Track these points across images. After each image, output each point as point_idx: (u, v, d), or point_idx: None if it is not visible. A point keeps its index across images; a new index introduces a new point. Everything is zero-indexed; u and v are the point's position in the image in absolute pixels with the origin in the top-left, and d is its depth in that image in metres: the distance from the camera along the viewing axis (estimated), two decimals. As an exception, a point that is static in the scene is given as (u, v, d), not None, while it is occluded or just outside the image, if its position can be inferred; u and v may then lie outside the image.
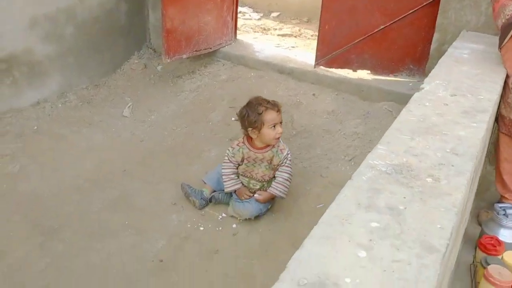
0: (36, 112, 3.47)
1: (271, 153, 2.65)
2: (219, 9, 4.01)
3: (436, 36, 3.20)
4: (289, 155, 2.68)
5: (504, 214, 2.36)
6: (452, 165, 1.56)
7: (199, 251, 2.44)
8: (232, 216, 2.69)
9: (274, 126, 2.57)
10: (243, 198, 2.70)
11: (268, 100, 2.62)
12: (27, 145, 3.18)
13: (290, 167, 2.69)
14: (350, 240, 1.22)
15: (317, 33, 5.25)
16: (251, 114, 2.58)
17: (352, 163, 3.08)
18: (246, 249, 2.47)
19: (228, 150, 2.75)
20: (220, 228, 2.61)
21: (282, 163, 2.66)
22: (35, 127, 3.35)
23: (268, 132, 2.58)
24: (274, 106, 2.59)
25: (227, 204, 2.76)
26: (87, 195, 2.80)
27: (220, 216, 2.70)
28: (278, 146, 2.67)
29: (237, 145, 2.72)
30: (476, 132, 1.81)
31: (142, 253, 2.40)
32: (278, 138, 2.62)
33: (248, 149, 2.67)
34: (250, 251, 2.46)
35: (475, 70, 2.41)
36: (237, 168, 2.76)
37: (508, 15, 2.35)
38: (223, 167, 2.76)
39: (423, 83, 2.27)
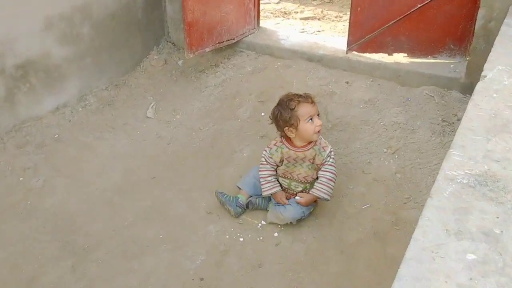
0: (56, 118, 3.29)
1: (313, 152, 2.44)
2: (240, -3, 3.77)
3: (481, 12, 2.92)
4: (332, 153, 2.48)
5: None
6: (542, 172, 1.34)
7: (241, 266, 2.26)
8: (272, 223, 2.50)
9: (311, 119, 2.37)
10: (280, 202, 2.50)
11: (299, 94, 2.43)
12: (50, 155, 3.02)
13: (334, 166, 2.48)
14: (447, 280, 1.02)
15: (341, 14, 5.03)
16: (284, 112, 2.38)
17: (396, 157, 2.86)
18: (291, 261, 2.29)
19: (265, 151, 2.54)
20: (261, 238, 2.42)
21: (324, 161, 2.46)
22: (56, 135, 3.18)
23: (306, 127, 2.37)
24: (307, 98, 2.40)
25: (266, 210, 2.57)
26: (117, 208, 2.63)
27: (260, 224, 2.51)
28: (320, 143, 2.46)
29: (275, 145, 2.51)
30: (559, 128, 1.58)
31: (182, 271, 2.23)
32: (319, 131, 2.40)
33: (288, 148, 2.46)
34: (296, 262, 2.28)
35: (539, 51, 2.16)
36: (275, 170, 2.56)
37: None
38: (260, 169, 2.56)
39: (483, 71, 2.03)
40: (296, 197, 2.48)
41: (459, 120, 3.00)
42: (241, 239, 2.41)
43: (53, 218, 2.57)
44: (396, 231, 2.41)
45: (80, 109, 3.43)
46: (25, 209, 2.62)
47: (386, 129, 3.03)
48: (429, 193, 2.68)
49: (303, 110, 2.36)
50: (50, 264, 2.29)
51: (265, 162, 2.54)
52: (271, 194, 2.54)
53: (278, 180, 2.57)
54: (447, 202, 1.25)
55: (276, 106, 2.47)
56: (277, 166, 2.55)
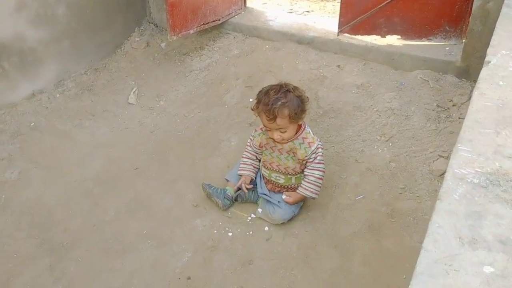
0: (32, 105, 3.11)
1: (291, 144, 2.25)
2: (226, -25, 3.58)
3: (479, -8, 2.79)
4: (319, 149, 2.27)
5: None
6: (560, 168, 1.24)
7: (230, 263, 2.14)
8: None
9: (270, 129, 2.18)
10: (240, 186, 2.40)
11: (272, 99, 2.07)
12: (25, 145, 2.85)
13: (323, 163, 2.30)
14: (464, 297, 0.90)
15: (330, -6, 4.85)
16: (255, 103, 2.18)
17: (390, 144, 2.74)
18: (283, 257, 2.17)
19: (252, 132, 2.43)
20: (251, 232, 2.30)
21: (310, 158, 2.26)
22: (33, 124, 3.01)
23: (267, 131, 2.24)
24: (270, 111, 2.06)
25: (255, 203, 2.44)
26: (98, 201, 2.48)
27: (249, 218, 2.39)
28: (305, 138, 2.26)
29: (260, 129, 2.36)
30: None
31: (167, 270, 2.11)
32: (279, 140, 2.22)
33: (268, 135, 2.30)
34: (288, 258, 2.16)
35: (544, 33, 2.04)
36: (256, 156, 2.44)
37: None
38: (244, 151, 2.48)
39: (486, 56, 1.90)
40: (283, 196, 2.33)
41: (454, 105, 2.90)
42: (230, 234, 2.29)
43: (29, 212, 2.42)
44: (391, 223, 2.30)
45: (58, 95, 3.25)
46: (-1, 203, 2.46)
47: (380, 115, 2.91)
48: (424, 182, 2.58)
49: (261, 119, 2.16)
50: (26, 263, 2.15)
51: (249, 144, 2.45)
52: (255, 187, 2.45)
53: (260, 170, 2.45)
54: (459, 206, 1.14)
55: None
56: (258, 154, 2.43)
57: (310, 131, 2.28)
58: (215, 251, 2.19)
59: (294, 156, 2.27)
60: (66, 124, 3.04)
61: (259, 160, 2.46)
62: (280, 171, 2.35)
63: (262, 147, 2.37)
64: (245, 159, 2.46)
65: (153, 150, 2.87)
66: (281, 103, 2.05)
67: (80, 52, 3.44)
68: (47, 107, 3.14)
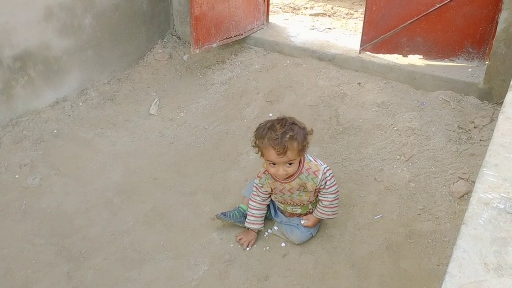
0: (56, 113, 3.16)
1: (299, 181, 2.18)
2: (250, -9, 3.62)
3: (504, 15, 2.78)
4: (327, 174, 2.19)
5: None
6: None
7: (246, 278, 2.14)
8: (278, 235, 2.37)
9: (274, 164, 2.10)
10: (242, 243, 2.31)
11: (279, 132, 2.01)
12: (47, 152, 2.89)
13: (334, 185, 2.23)
14: (490, 329, 0.89)
15: (352, 11, 4.88)
16: (254, 140, 2.13)
17: (410, 164, 2.72)
18: (299, 274, 2.16)
19: (256, 180, 2.31)
20: (268, 248, 2.30)
21: (321, 185, 2.20)
22: (55, 131, 3.05)
23: (269, 169, 2.14)
24: (280, 145, 2.00)
25: (271, 219, 2.43)
26: (117, 210, 2.50)
27: (266, 233, 2.38)
28: (309, 169, 2.18)
29: (263, 173, 2.26)
30: None
31: (183, 282, 2.11)
32: (285, 176, 2.14)
33: (273, 179, 2.22)
34: (305, 276, 2.15)
35: None
36: (264, 204, 2.35)
37: None
38: (250, 199, 2.35)
39: (512, 80, 1.89)
40: (302, 221, 2.31)
41: (476, 127, 2.87)
42: (247, 248, 2.28)
43: (49, 219, 2.45)
44: (409, 244, 2.28)
45: (81, 104, 3.30)
46: (20, 209, 2.50)
47: (400, 135, 2.90)
48: (444, 204, 2.56)
49: (267, 154, 2.07)
50: (45, 270, 2.17)
51: (256, 194, 2.34)
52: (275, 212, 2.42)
53: (274, 203, 2.40)
54: (484, 231, 1.13)
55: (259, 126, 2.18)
56: (267, 196, 2.34)
57: (311, 158, 2.23)
58: (231, 265, 2.19)
59: (305, 189, 2.22)
60: (88, 133, 3.08)
61: (268, 199, 2.37)
62: (295, 203, 2.33)
63: (272, 191, 2.30)
64: (253, 211, 2.33)
65: (173, 162, 2.89)
66: (290, 136, 2.00)
67: (104, 62, 3.50)
68: (69, 115, 3.18)
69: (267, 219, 2.43)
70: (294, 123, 2.08)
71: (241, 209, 2.40)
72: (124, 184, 2.69)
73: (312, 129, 2.16)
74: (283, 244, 2.32)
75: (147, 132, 3.16)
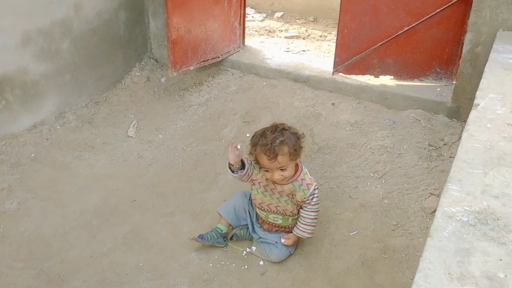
0: (33, 137, 3.17)
1: (291, 187, 2.26)
2: (226, 15, 3.71)
3: (469, 36, 2.91)
4: (316, 191, 2.29)
5: None
6: (544, 208, 1.30)
7: (226, 297, 2.16)
8: (256, 254, 2.41)
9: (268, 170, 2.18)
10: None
11: (270, 138, 2.10)
12: (25, 176, 2.89)
13: (318, 204, 2.33)
14: (455, 334, 0.95)
15: (326, 34, 5.02)
16: (250, 148, 2.20)
17: (383, 181, 2.81)
18: (278, 291, 2.20)
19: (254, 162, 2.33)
20: (246, 267, 2.33)
21: (308, 200, 2.28)
22: (33, 155, 3.06)
23: (265, 173, 2.22)
24: (270, 151, 2.08)
25: (250, 240, 2.48)
26: (96, 233, 2.51)
27: (245, 252, 2.42)
28: (304, 179, 2.28)
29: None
30: (556, 160, 1.55)
31: (162, 303, 2.12)
32: (281, 181, 2.22)
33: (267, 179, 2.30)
34: (283, 293, 2.19)
35: (529, 79, 2.14)
36: (248, 177, 2.33)
37: None
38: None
39: (475, 99, 1.99)
40: (282, 240, 2.36)
41: (445, 144, 2.98)
42: (226, 268, 2.31)
43: (27, 243, 2.44)
44: (384, 259, 2.34)
45: (58, 127, 3.31)
46: (-2, 233, 2.49)
47: (373, 153, 2.98)
48: (416, 220, 2.64)
49: (261, 160, 2.17)
50: (23, 294, 2.16)
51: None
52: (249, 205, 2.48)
53: (254, 209, 2.46)
54: (448, 243, 1.19)
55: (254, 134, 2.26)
56: (251, 173, 2.32)
57: (307, 172, 2.32)
58: (210, 285, 2.22)
59: (293, 198, 2.29)
60: (66, 156, 3.09)
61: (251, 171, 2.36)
62: (278, 212, 2.38)
63: (254, 183, 2.34)
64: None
65: (151, 183, 2.92)
66: (280, 141, 2.09)
67: (81, 86, 3.53)
68: (47, 139, 3.19)
69: (245, 239, 2.47)
70: (284, 128, 2.17)
71: (218, 230, 2.44)
72: (103, 206, 2.71)
73: (303, 133, 2.26)
74: (261, 263, 2.36)
75: (125, 154, 3.18)
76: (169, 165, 3.08)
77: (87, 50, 3.51)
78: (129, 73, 3.93)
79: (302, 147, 2.20)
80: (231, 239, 2.46)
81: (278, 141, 2.09)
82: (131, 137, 3.35)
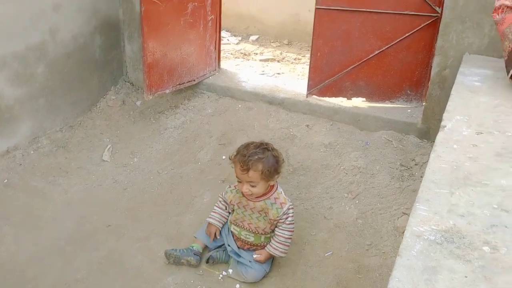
0: (6, 162, 3.13)
1: (263, 204, 2.33)
2: (201, 39, 3.76)
3: (436, 60, 3.02)
4: (290, 210, 2.35)
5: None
6: (506, 226, 1.37)
7: (202, 321, 2.16)
8: (233, 277, 2.42)
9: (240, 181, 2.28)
10: (208, 234, 2.49)
11: (250, 152, 2.21)
12: (-2, 202, 2.85)
13: (293, 224, 2.38)
14: None
15: (300, 57, 5.12)
16: (233, 154, 2.32)
17: (357, 202, 2.85)
18: (254, 314, 2.20)
19: (226, 187, 2.53)
20: (223, 290, 2.33)
21: (281, 219, 2.34)
22: (6, 180, 3.02)
23: (238, 184, 2.33)
24: (244, 163, 2.19)
25: (226, 263, 2.49)
26: (70, 259, 2.49)
27: (221, 275, 2.43)
28: (277, 198, 2.34)
29: (234, 186, 2.46)
30: (518, 180, 1.61)
31: (138, 329, 2.10)
32: (248, 195, 2.30)
33: (242, 194, 2.37)
34: (259, 316, 2.19)
35: (493, 100, 2.22)
36: (226, 207, 2.52)
37: None
38: (215, 205, 2.57)
39: (443, 120, 2.06)
40: (254, 255, 2.39)
41: (416, 164, 3.05)
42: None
43: (1, 271, 2.40)
44: (358, 279, 2.37)
45: (32, 152, 3.28)
46: (-31, 261, 2.44)
47: (347, 174, 3.04)
48: (390, 239, 2.68)
49: (235, 169, 2.27)
50: (-6, 324, 2.12)
51: (221, 196, 2.54)
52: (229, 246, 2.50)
53: (230, 228, 2.51)
54: (416, 261, 1.23)
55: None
56: (228, 205, 2.49)
57: (282, 192, 2.37)
58: (187, 309, 2.21)
59: (266, 216, 2.35)
60: (40, 181, 3.06)
61: (229, 213, 2.53)
62: (251, 230, 2.42)
63: (232, 204, 2.44)
64: (215, 208, 2.54)
65: (126, 207, 2.90)
66: (257, 158, 2.18)
67: (56, 110, 3.51)
68: (20, 164, 3.16)
69: (222, 262, 2.48)
70: (268, 149, 2.26)
71: (190, 247, 2.46)
72: (77, 232, 2.68)
73: (284, 160, 2.35)
74: (237, 286, 2.36)
75: (100, 178, 3.17)
76: (144, 189, 3.07)
77: (62, 74, 3.50)
78: (104, 96, 3.93)
79: (279, 172, 2.26)
80: (207, 262, 2.46)
81: (256, 157, 2.17)
82: (106, 161, 3.34)
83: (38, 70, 3.31)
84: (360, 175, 3.00)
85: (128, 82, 4.11)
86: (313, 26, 3.38)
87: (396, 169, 3.01)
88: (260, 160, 2.18)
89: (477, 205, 1.45)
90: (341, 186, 2.97)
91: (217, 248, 2.51)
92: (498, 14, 2.19)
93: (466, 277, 1.17)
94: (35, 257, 2.49)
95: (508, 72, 2.26)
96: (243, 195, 2.35)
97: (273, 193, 2.33)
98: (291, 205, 2.36)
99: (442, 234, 1.32)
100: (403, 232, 2.61)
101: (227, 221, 2.53)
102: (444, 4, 2.91)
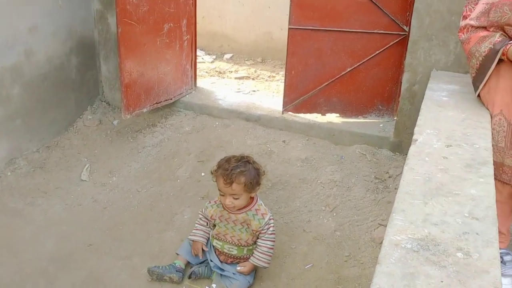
0: (-17, 184, 3.11)
1: (245, 215, 2.40)
2: (178, 58, 3.82)
3: (406, 76, 3.15)
4: (271, 220, 2.44)
5: (501, 262, 2.26)
6: (477, 233, 1.46)
7: (187, 337, 2.18)
8: (217, 289, 2.46)
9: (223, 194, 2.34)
10: (195, 252, 2.53)
11: (232, 165, 2.27)
12: (-24, 224, 2.82)
13: (274, 234, 2.47)
14: None
15: (274, 74, 5.22)
16: (214, 168, 2.37)
17: (334, 214, 2.94)
18: (238, 328, 2.24)
19: (206, 203, 2.58)
20: (206, 305, 2.37)
21: (263, 229, 2.41)
22: (-17, 202, 2.99)
23: (220, 197, 2.39)
24: (227, 176, 2.25)
25: (209, 278, 2.52)
26: (53, 279, 2.48)
27: (205, 290, 2.46)
28: (258, 210, 2.42)
29: (215, 201, 2.53)
30: (486, 189, 1.72)
31: None
32: (230, 207, 2.37)
33: (223, 207, 2.44)
34: (244, 329, 2.23)
35: (460, 114, 2.34)
36: (207, 223, 2.57)
37: (484, 53, 2.28)
38: (195, 222, 2.62)
39: (414, 134, 2.17)
40: (238, 267, 2.44)
41: (390, 177, 3.16)
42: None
43: (-20, 294, 2.38)
44: (339, 290, 2.44)
45: (9, 173, 3.26)
46: None
47: (323, 187, 3.12)
48: (367, 250, 2.76)
49: (218, 182, 2.32)
50: None
51: (201, 213, 2.58)
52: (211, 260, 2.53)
53: (212, 243, 2.55)
54: (395, 268, 1.30)
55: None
56: (209, 221, 2.55)
57: (262, 203, 2.45)
58: (172, 325, 2.24)
59: (248, 227, 2.41)
60: (18, 202, 3.04)
61: (210, 229, 2.58)
62: (234, 242, 2.47)
63: (213, 218, 2.50)
64: (197, 226, 2.59)
65: (107, 226, 2.91)
66: (240, 171, 2.24)
67: (32, 130, 3.50)
68: (-2, 186, 3.14)
69: (204, 277, 2.51)
70: (249, 161, 2.34)
71: (173, 264, 2.50)
72: (59, 252, 2.68)
73: (264, 172, 2.43)
74: (221, 300, 2.40)
75: (80, 198, 3.17)
76: (124, 208, 3.09)
77: (38, 95, 3.51)
78: (81, 116, 3.93)
79: (260, 184, 2.33)
80: (189, 277, 2.49)
81: (238, 170, 2.24)
82: (85, 180, 3.34)
83: (14, 91, 3.31)
84: (336, 188, 3.09)
85: (104, 101, 4.13)
86: (287, 45, 3.49)
87: (371, 181, 3.11)
88: (243, 173, 2.25)
89: (450, 214, 1.53)
90: (319, 199, 3.04)
91: (200, 264, 2.55)
92: (463, 34, 2.32)
93: (442, 281, 1.24)
94: (17, 279, 2.47)
95: (476, 89, 2.38)
96: (224, 208, 2.41)
97: (254, 204, 2.40)
98: (271, 216, 2.45)
99: (418, 242, 1.40)
100: (380, 243, 2.71)
101: (209, 237, 2.58)
102: (411, 23, 3.06)
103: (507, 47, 2.12)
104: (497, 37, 2.18)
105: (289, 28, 3.43)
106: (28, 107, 3.45)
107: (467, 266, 1.27)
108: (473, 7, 2.32)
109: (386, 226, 2.80)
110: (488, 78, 2.29)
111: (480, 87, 2.35)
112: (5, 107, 3.26)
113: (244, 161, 2.32)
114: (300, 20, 3.39)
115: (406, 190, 1.70)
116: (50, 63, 3.56)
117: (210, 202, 2.55)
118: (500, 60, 2.20)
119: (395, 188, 3.04)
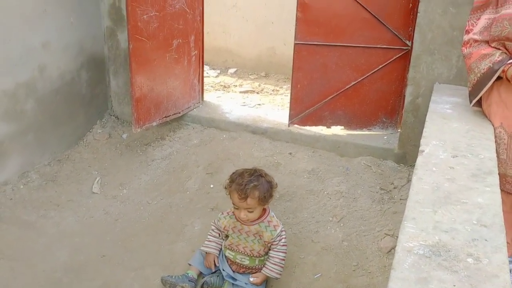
0: (-3, 197, 3.17)
1: (258, 227, 2.47)
2: (186, 73, 3.91)
3: (409, 89, 3.23)
4: (283, 232, 2.51)
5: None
6: (486, 240, 1.51)
7: None
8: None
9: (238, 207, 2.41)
10: (208, 265, 2.58)
11: (245, 180, 2.33)
12: (-10, 237, 2.87)
13: (286, 245, 2.54)
14: None
15: (278, 88, 5.31)
16: (227, 183, 2.43)
17: (341, 225, 2.99)
18: (251, 336, 2.29)
19: (219, 214, 2.64)
20: (219, 314, 2.42)
21: (274, 241, 2.48)
22: (-3, 215, 3.05)
23: (234, 209, 2.46)
24: (242, 191, 2.30)
25: (221, 287, 2.58)
26: (67, 290, 2.53)
27: (216, 300, 2.50)
28: (270, 221, 2.50)
29: (227, 213, 2.59)
30: (493, 198, 1.78)
31: None
32: (246, 220, 2.44)
33: (236, 219, 2.51)
34: (256, 337, 2.28)
35: (464, 126, 2.41)
36: (220, 234, 2.63)
37: (483, 71, 2.36)
38: (208, 233, 2.68)
39: (420, 146, 2.23)
40: (251, 278, 2.50)
41: (395, 188, 3.22)
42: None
43: (-3, 305, 2.43)
44: (348, 299, 2.49)
45: (22, 187, 3.33)
46: (-35, 297, 2.46)
47: (330, 198, 3.18)
48: (374, 259, 2.82)
49: (232, 197, 2.39)
50: None
51: (213, 223, 2.65)
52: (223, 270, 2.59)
53: (225, 253, 2.61)
54: (409, 273, 1.35)
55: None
56: (221, 232, 2.61)
57: (274, 215, 2.51)
58: (185, 334, 2.28)
59: (261, 239, 2.47)
60: (31, 215, 3.10)
61: (222, 240, 2.64)
62: (246, 253, 2.53)
63: (226, 229, 2.55)
64: (210, 237, 2.65)
65: (119, 238, 2.97)
66: (253, 185, 2.30)
67: (44, 144, 3.58)
68: (11, 199, 3.20)
69: (216, 287, 2.56)
70: (261, 175, 2.40)
71: (186, 274, 2.55)
72: (72, 263, 2.73)
73: (277, 184, 2.50)
74: (233, 309, 2.45)
75: (91, 210, 3.23)
76: (135, 220, 3.14)
77: (50, 110, 3.58)
78: (91, 130, 4.01)
79: (272, 196, 2.41)
80: (202, 287, 2.54)
81: (252, 184, 2.30)
82: (96, 193, 3.40)
83: (27, 107, 3.39)
84: (343, 199, 3.15)
85: (113, 116, 4.21)
86: (293, 60, 3.58)
87: (376, 192, 3.17)
88: (256, 187, 2.32)
89: (459, 222, 1.59)
90: (326, 210, 3.10)
91: (212, 274, 2.60)
92: (466, 48, 2.40)
93: (454, 286, 1.30)
94: (32, 290, 2.53)
95: (471, 101, 2.47)
96: (237, 220, 2.48)
97: (266, 216, 2.47)
98: (283, 227, 2.50)
99: (430, 249, 1.46)
100: (387, 252, 2.77)
101: (221, 247, 2.64)
102: (414, 38, 3.14)
103: (507, 68, 2.19)
104: (497, 56, 2.25)
105: (295, 44, 3.53)
106: (40, 122, 3.52)
107: (478, 271, 1.32)
108: (475, 22, 2.40)
109: (392, 236, 2.88)
110: (490, 92, 2.37)
111: (474, 101, 2.44)
112: (18, 122, 3.34)
113: (257, 175, 2.38)
114: (305, 36, 3.49)
115: (415, 199, 1.76)
116: (62, 78, 3.64)
117: (223, 214, 2.61)
118: (500, 77, 2.27)
119: (400, 199, 3.10)
